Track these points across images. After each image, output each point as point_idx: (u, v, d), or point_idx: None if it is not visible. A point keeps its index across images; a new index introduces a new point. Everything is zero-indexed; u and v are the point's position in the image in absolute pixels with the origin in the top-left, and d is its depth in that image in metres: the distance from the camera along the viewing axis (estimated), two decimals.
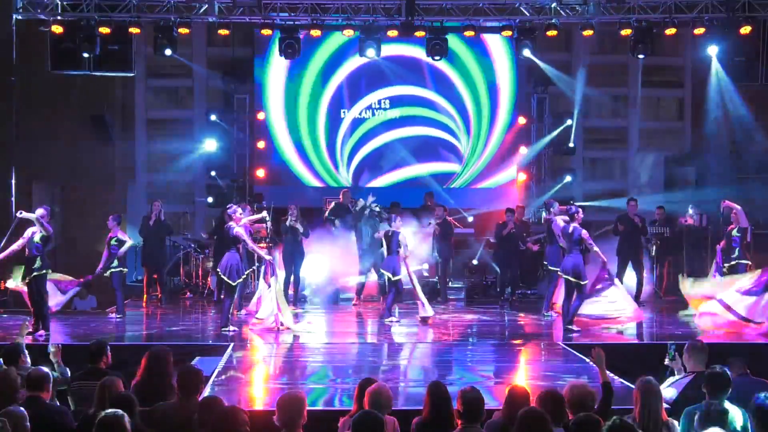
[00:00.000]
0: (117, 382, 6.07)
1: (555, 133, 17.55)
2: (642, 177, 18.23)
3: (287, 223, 13.99)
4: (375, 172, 17.63)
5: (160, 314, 13.53)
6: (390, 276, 12.49)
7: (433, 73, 17.40)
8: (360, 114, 17.63)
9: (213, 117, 17.22)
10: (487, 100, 17.69)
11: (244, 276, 11.94)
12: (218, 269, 11.71)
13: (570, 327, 11.38)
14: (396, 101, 17.64)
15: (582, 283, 11.42)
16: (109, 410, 5.07)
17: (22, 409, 5.35)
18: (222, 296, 14.33)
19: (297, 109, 17.57)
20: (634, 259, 14.24)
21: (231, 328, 11.47)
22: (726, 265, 12.63)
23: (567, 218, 11.77)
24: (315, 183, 17.67)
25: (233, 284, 11.52)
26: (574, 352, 9.95)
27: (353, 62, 17.12)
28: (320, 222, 15.23)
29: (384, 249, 12.74)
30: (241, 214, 11.75)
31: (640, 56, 15.08)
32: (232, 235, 11.50)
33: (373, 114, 17.67)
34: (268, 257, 11.84)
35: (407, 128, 17.65)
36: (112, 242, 12.73)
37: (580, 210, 11.82)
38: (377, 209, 14.58)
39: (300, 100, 17.55)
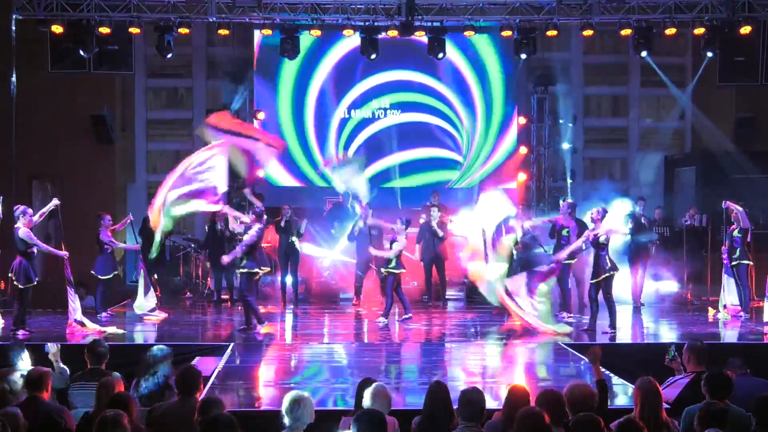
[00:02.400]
0: (117, 382, 6.07)
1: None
2: (642, 177, 18.22)
3: (281, 223, 13.98)
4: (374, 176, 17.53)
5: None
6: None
7: (430, 78, 17.35)
8: (353, 113, 17.53)
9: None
10: (482, 101, 17.63)
11: (247, 270, 11.77)
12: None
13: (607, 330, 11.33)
14: (394, 88, 17.54)
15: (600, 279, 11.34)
16: (109, 410, 5.07)
17: (16, 409, 5.38)
18: (223, 296, 14.46)
19: (301, 108, 17.52)
20: (640, 260, 14.25)
21: (260, 327, 11.50)
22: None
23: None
24: (320, 182, 17.53)
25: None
26: (574, 352, 9.96)
27: (343, 51, 17.02)
28: (321, 221, 15.27)
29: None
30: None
31: (643, 53, 15.01)
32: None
33: (373, 114, 17.61)
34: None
35: (406, 114, 17.57)
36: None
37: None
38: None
39: (293, 98, 17.46)
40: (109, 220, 12.94)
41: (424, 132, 17.51)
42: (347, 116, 17.55)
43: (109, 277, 12.90)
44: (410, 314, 12.57)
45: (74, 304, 11.26)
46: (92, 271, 12.77)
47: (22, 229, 10.87)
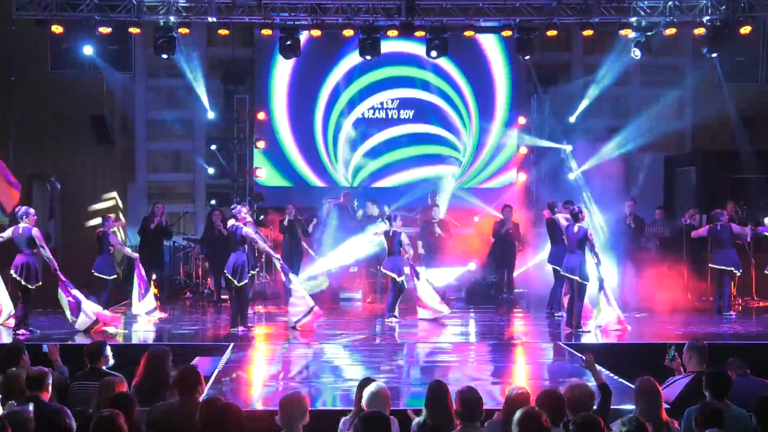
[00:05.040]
0: (117, 382, 6.07)
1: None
2: (642, 177, 18.20)
3: (284, 222, 13.97)
4: (375, 173, 17.57)
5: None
6: (395, 276, 12.50)
7: (434, 71, 17.30)
8: (362, 114, 17.55)
9: (211, 114, 17.20)
10: (485, 100, 17.62)
11: (251, 275, 11.91)
12: (225, 271, 11.61)
13: (579, 329, 11.35)
14: (397, 102, 17.55)
15: (585, 283, 11.37)
16: (105, 410, 5.07)
17: (29, 408, 5.38)
18: (223, 296, 14.43)
19: (301, 108, 17.51)
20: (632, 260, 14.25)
21: (240, 327, 11.49)
22: None
23: (569, 217, 11.70)
24: (317, 182, 17.56)
25: (239, 285, 11.48)
26: (574, 352, 9.94)
27: (354, 61, 17.01)
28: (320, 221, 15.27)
29: None
30: (246, 213, 11.71)
31: (637, 52, 14.97)
32: (240, 236, 11.42)
33: (374, 113, 17.61)
34: (276, 256, 11.86)
35: (408, 125, 17.58)
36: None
37: (584, 209, 11.74)
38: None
39: (304, 100, 17.48)
40: (113, 221, 12.98)
41: (423, 137, 17.50)
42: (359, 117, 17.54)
43: (114, 276, 12.93)
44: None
45: (81, 296, 11.35)
46: (97, 273, 12.73)
47: (34, 229, 11.01)
